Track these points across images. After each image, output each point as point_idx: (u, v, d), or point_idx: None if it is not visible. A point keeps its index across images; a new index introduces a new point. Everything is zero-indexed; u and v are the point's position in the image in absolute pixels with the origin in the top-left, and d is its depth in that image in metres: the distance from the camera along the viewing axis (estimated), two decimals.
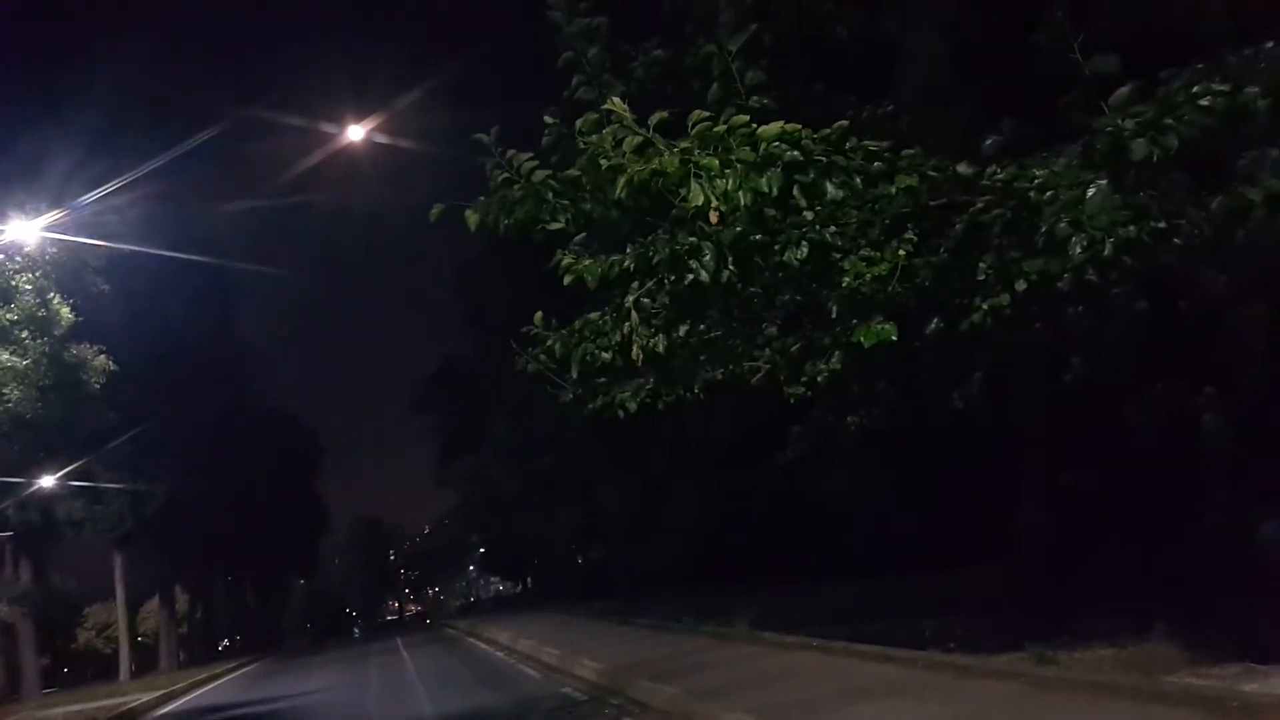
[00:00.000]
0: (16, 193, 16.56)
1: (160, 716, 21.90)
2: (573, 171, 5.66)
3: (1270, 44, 5.41)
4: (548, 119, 5.88)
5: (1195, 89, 5.10)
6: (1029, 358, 10.43)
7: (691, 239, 5.40)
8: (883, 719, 7.37)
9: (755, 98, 5.69)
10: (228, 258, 40.82)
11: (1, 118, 25.75)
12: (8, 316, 16.67)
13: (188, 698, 25.42)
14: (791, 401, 7.70)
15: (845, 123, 5.19)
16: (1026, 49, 7.77)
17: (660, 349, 6.42)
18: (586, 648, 16.27)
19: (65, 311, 17.73)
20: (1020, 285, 5.85)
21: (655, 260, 5.60)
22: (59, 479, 26.16)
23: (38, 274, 17.03)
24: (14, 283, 16.70)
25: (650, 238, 5.75)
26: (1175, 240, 5.42)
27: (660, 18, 8.22)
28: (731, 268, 5.54)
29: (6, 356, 16.61)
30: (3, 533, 30.06)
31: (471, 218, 5.89)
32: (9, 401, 16.91)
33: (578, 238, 6.18)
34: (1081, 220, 5.14)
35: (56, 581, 46.84)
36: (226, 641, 60.69)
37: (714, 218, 4.93)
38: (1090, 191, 5.16)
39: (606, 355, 6.46)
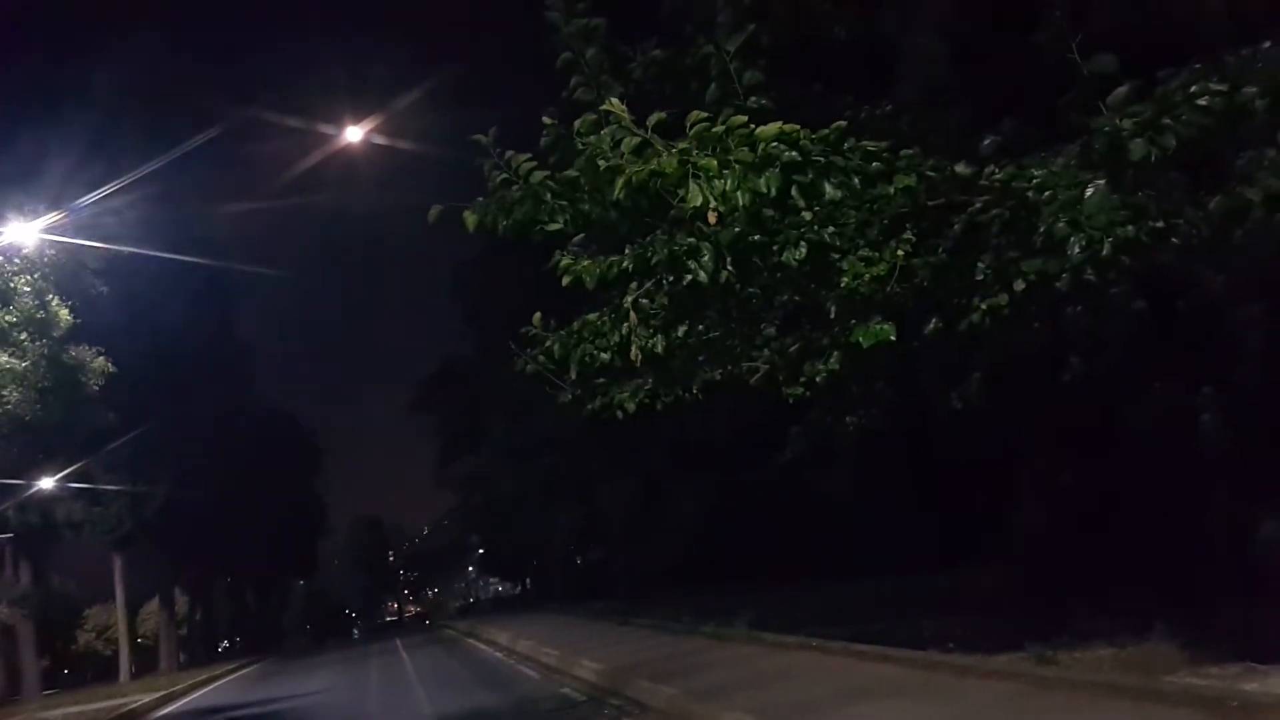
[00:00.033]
0: (15, 194, 16.58)
1: (161, 718, 21.88)
2: (571, 172, 5.64)
3: (1268, 44, 5.40)
4: (546, 120, 5.86)
5: (1193, 89, 5.09)
6: (1028, 358, 10.44)
7: (690, 239, 5.39)
8: (882, 719, 7.37)
9: (753, 98, 5.68)
10: (227, 258, 40.76)
11: (1, 118, 25.76)
12: (6, 318, 16.67)
13: (188, 699, 25.40)
14: (790, 402, 7.69)
15: (843, 123, 5.18)
16: (1025, 49, 7.79)
17: (659, 349, 6.41)
18: (585, 648, 16.26)
19: (64, 313, 17.75)
20: (1019, 285, 5.84)
21: (654, 261, 5.59)
22: (58, 481, 26.17)
23: (36, 276, 17.05)
24: (13, 285, 16.71)
25: (649, 238, 5.74)
26: (1173, 240, 5.41)
27: (658, 18, 8.24)
28: (730, 268, 5.53)
29: (5, 358, 16.61)
30: (2, 535, 30.02)
31: (470, 218, 5.88)
32: (8, 403, 16.91)
33: (576, 238, 6.17)
34: (1080, 220, 5.13)
35: (56, 583, 46.76)
36: (226, 643, 60.60)
37: (712, 218, 4.93)
38: (1088, 191, 5.15)
39: (605, 356, 6.45)
